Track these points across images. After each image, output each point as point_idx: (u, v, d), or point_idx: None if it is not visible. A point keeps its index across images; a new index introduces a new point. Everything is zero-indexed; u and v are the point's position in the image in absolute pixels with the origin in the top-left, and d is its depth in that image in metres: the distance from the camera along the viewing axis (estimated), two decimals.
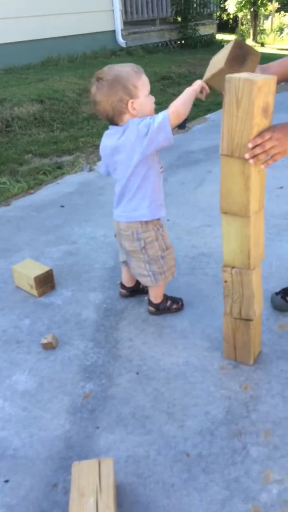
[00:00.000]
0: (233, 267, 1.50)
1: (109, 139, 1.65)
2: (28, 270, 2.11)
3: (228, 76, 1.23)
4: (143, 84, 1.57)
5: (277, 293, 1.95)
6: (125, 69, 1.55)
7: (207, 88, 1.50)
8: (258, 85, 1.19)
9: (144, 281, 1.86)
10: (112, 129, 1.65)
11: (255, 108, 1.22)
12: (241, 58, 1.34)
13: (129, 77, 1.53)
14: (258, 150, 1.27)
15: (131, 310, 2.00)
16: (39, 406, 1.54)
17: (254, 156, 1.28)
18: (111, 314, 1.98)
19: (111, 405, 1.54)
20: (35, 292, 2.10)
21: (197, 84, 1.51)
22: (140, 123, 1.55)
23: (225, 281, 1.53)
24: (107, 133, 1.68)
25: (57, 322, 1.94)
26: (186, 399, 1.54)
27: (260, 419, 1.45)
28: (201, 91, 1.51)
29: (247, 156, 1.28)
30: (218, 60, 1.34)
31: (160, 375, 1.64)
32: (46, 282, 2.11)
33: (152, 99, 1.62)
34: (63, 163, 3.86)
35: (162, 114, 1.51)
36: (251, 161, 1.29)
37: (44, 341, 1.78)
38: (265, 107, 1.26)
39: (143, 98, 1.57)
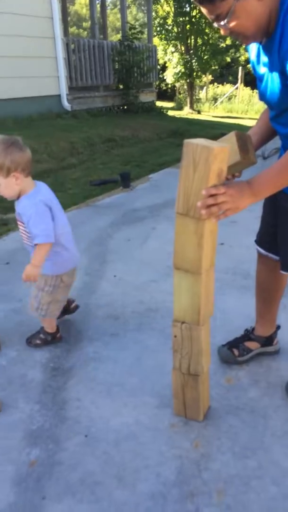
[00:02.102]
0: (183, 322, 1.52)
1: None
2: None
3: (186, 141, 1.30)
4: None
5: (223, 345, 1.99)
6: None
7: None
8: (215, 152, 1.26)
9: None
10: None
11: (211, 172, 1.29)
12: (244, 146, 1.45)
13: None
14: (210, 201, 1.31)
15: (78, 368, 1.96)
16: None
17: (206, 207, 1.31)
18: (58, 374, 1.92)
19: (59, 472, 1.46)
20: None
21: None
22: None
23: (175, 336, 1.55)
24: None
25: (1, 384, 1.85)
26: (137, 461, 1.50)
27: (212, 478, 1.43)
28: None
29: (199, 204, 1.31)
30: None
31: (110, 437, 1.60)
32: None
33: None
34: (9, 220, 3.83)
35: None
36: (203, 211, 1.32)
37: None
38: (219, 172, 1.33)
39: None
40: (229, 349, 1.97)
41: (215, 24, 1.33)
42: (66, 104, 8.38)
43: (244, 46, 1.51)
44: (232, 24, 1.29)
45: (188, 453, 1.52)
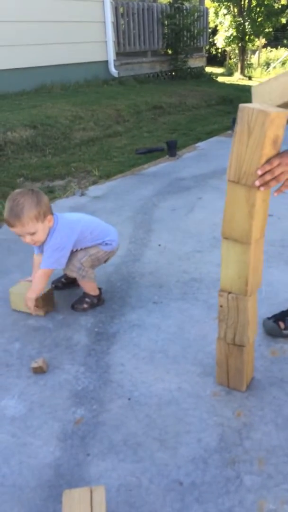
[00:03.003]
0: (229, 293, 1.50)
1: None
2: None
3: (241, 105, 1.25)
4: None
5: (269, 318, 1.96)
6: None
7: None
8: (271, 117, 1.21)
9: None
10: None
11: (266, 139, 1.23)
12: None
13: None
14: (268, 177, 1.27)
15: (122, 334, 1.99)
16: (28, 432, 1.51)
17: (264, 183, 1.28)
18: (102, 339, 1.96)
19: (102, 431, 1.51)
20: (40, 311, 2.10)
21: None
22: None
23: (221, 306, 1.53)
24: None
25: (47, 346, 1.92)
26: (179, 426, 1.52)
27: (253, 447, 1.43)
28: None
29: (257, 183, 1.28)
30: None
31: (152, 401, 1.62)
32: (48, 301, 2.13)
33: None
34: (55, 187, 3.89)
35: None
36: (261, 188, 1.28)
37: (35, 365, 1.75)
38: (275, 139, 1.27)
39: None
40: (275, 322, 1.94)
41: None
42: (113, 71, 8.27)
43: None
44: None
45: (230, 422, 1.52)
